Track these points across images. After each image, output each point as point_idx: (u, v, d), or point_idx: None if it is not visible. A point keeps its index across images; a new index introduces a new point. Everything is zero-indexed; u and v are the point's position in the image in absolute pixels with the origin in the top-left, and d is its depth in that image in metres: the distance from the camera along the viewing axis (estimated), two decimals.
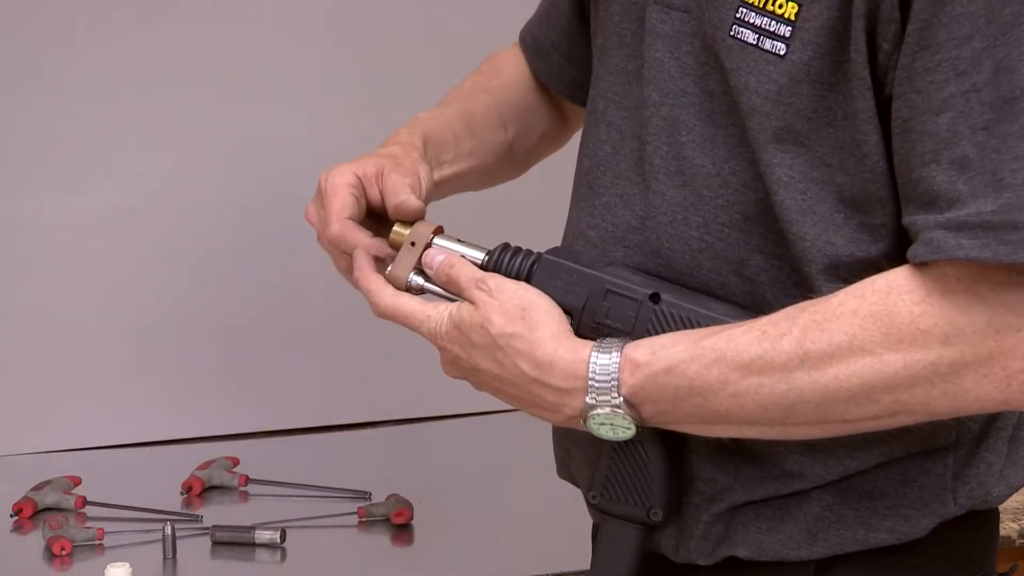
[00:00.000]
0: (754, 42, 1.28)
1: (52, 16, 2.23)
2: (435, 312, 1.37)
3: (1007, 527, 1.97)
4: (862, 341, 1.23)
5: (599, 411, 1.30)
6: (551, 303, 1.34)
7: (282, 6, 2.32)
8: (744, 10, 1.29)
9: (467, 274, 1.37)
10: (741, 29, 1.29)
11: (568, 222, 1.45)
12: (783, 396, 1.26)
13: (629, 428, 1.31)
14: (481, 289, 1.34)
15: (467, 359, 1.36)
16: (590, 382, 1.30)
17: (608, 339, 1.32)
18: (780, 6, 1.27)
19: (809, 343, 1.24)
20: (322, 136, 2.34)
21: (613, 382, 1.29)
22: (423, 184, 1.49)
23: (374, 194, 1.47)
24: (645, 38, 1.36)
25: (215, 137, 2.31)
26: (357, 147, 2.35)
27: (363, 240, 1.44)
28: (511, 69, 1.64)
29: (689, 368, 1.28)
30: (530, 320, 1.32)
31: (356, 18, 2.35)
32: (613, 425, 1.31)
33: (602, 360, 1.30)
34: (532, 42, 1.62)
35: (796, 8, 1.27)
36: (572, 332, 1.33)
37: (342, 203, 1.45)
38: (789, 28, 1.27)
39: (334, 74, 2.34)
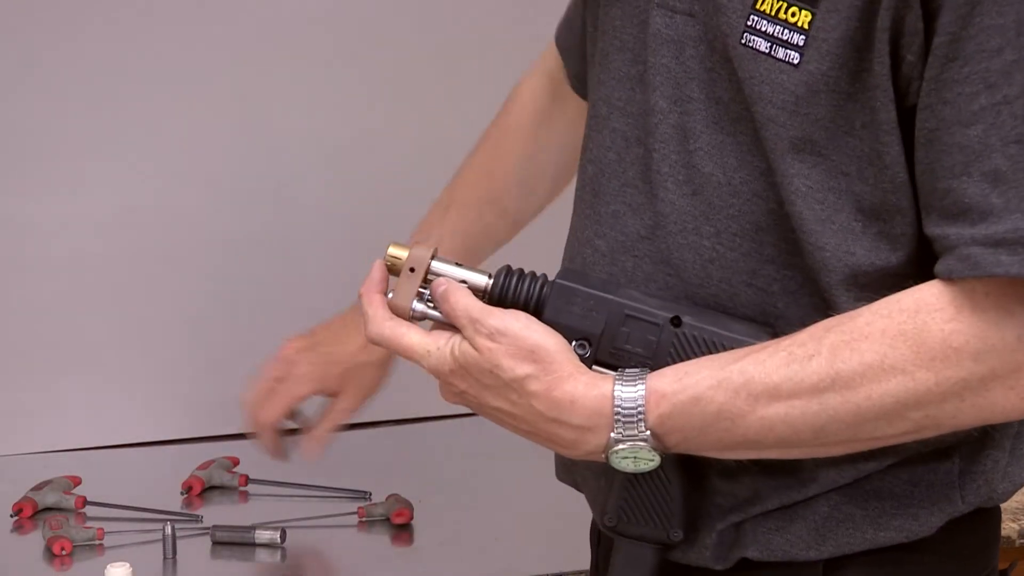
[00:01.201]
0: (766, 51, 1.26)
1: (52, 15, 2.22)
2: (435, 348, 1.33)
3: (1007, 527, 1.97)
4: (894, 360, 1.22)
5: (623, 445, 1.28)
6: (558, 338, 1.30)
7: (283, 6, 2.32)
8: (756, 17, 1.27)
9: (463, 310, 1.32)
10: (753, 37, 1.26)
11: (572, 230, 1.42)
12: (814, 417, 1.25)
13: (652, 460, 1.29)
14: (480, 333, 1.30)
15: (476, 396, 1.32)
16: (616, 418, 1.27)
17: (629, 371, 1.29)
18: (793, 14, 1.25)
19: (840, 363, 1.23)
20: (322, 136, 2.34)
21: (640, 415, 1.27)
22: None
23: None
24: (649, 43, 1.34)
25: (215, 137, 2.31)
26: (357, 147, 2.36)
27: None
28: (521, 117, 1.68)
29: (717, 395, 1.26)
30: (541, 360, 1.29)
31: (356, 18, 2.34)
32: (636, 458, 1.29)
33: (627, 394, 1.27)
34: (562, 44, 1.62)
35: (809, 16, 1.25)
36: (585, 367, 1.30)
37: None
38: (803, 37, 1.25)
39: (334, 74, 2.34)
